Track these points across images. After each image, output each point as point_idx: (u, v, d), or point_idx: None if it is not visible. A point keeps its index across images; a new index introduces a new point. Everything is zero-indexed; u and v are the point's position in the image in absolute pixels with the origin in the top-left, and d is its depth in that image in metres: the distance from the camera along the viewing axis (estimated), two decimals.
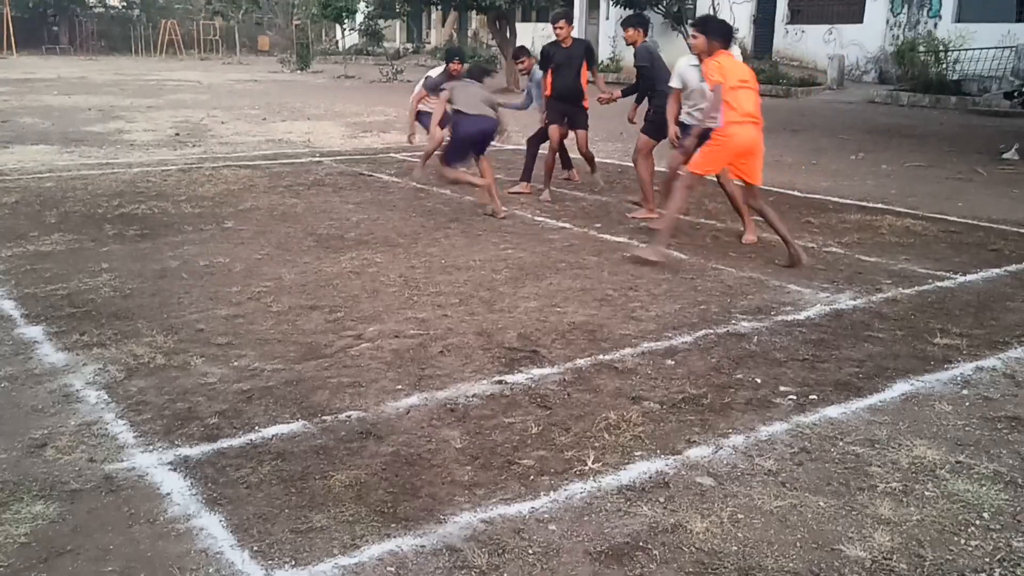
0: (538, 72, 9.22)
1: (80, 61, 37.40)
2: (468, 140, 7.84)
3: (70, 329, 4.87)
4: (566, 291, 5.74)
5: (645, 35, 8.38)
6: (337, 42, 45.68)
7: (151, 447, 3.54)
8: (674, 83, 7.35)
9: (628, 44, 8.39)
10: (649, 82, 8.17)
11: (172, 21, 44.76)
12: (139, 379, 4.21)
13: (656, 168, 8.22)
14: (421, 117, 9.79)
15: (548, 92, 8.93)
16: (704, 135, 6.45)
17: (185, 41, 44.27)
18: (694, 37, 6.65)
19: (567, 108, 8.92)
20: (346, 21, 39.88)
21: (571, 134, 9.15)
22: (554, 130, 8.95)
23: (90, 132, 13.96)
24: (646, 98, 8.28)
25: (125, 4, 51.23)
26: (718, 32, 6.51)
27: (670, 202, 6.57)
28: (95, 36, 47.50)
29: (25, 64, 33.43)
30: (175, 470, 3.36)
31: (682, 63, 7.34)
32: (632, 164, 8.44)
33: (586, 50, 8.97)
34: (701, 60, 6.63)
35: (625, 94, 8.70)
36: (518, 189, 9.21)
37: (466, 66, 8.94)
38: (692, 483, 3.30)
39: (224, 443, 3.58)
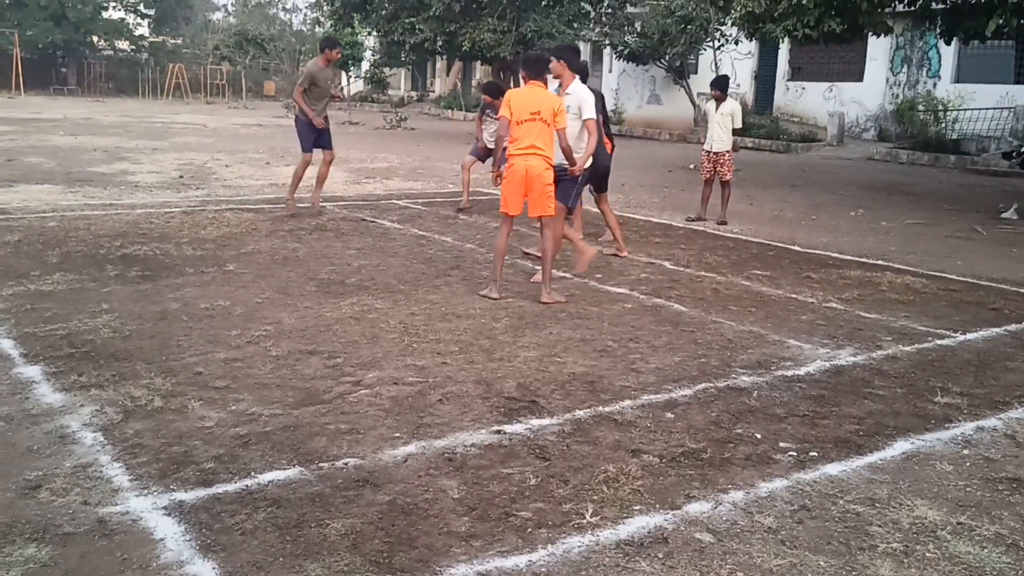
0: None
1: (87, 102, 37.74)
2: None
3: (68, 369, 4.86)
4: (566, 341, 5.73)
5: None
6: (342, 89, 46.16)
7: (146, 491, 3.51)
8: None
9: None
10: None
11: (180, 65, 45.25)
12: (136, 421, 4.19)
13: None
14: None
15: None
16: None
17: (192, 85, 44.70)
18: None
19: None
20: (352, 69, 40.38)
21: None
22: None
23: (95, 173, 14.05)
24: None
25: (134, 48, 51.85)
26: (527, 63, 6.87)
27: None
28: (103, 78, 48.00)
29: (33, 104, 33.72)
30: (169, 515, 3.32)
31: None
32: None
33: None
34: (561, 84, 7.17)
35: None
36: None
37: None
38: (691, 539, 3.27)
39: (220, 488, 3.55)
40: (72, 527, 3.21)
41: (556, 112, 6.59)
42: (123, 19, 51.54)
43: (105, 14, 49.57)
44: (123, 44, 51.40)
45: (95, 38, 49.87)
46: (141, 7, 52.48)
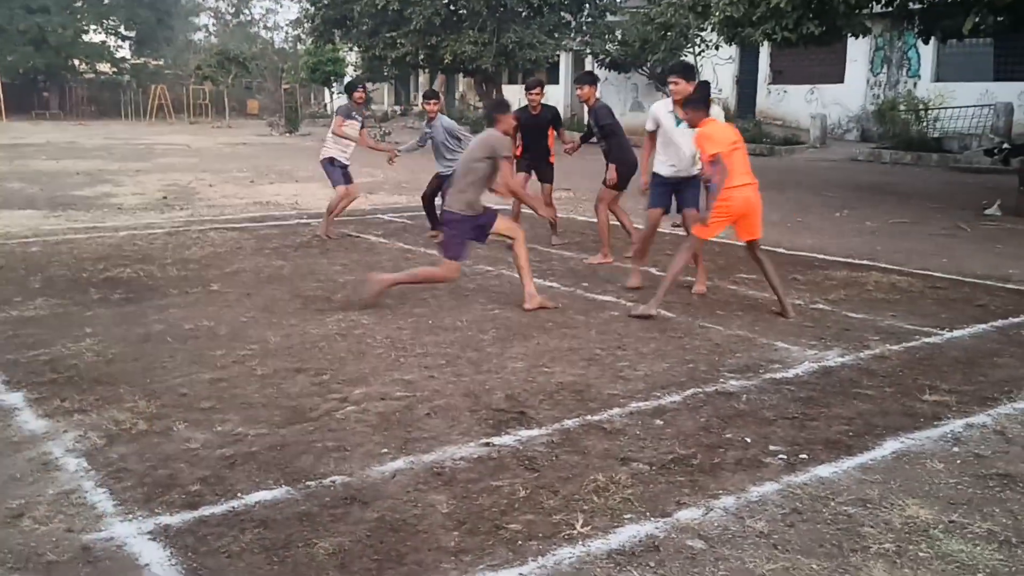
0: (440, 123, 10.07)
1: (70, 126, 37.63)
2: None
3: (51, 395, 4.80)
4: (553, 351, 5.71)
5: (596, 92, 8.90)
6: (325, 105, 46.17)
7: (130, 516, 3.46)
8: (649, 125, 7.33)
9: (582, 102, 9.04)
10: (616, 138, 8.81)
11: (162, 86, 45.15)
12: (120, 446, 4.14)
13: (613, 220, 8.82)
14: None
15: (518, 152, 9.46)
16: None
17: (175, 105, 44.59)
18: (675, 83, 7.01)
19: (534, 162, 9.71)
20: (334, 85, 40.39)
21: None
22: (521, 177, 9.21)
23: (78, 196, 13.98)
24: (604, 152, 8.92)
25: (115, 70, 51.72)
26: (702, 100, 6.58)
27: (673, 263, 6.60)
28: (85, 101, 47.88)
29: (15, 129, 33.58)
30: (155, 539, 3.28)
31: (658, 106, 7.35)
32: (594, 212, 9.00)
33: (553, 116, 9.91)
34: (676, 104, 6.93)
35: (583, 140, 9.49)
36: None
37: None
38: (683, 546, 3.25)
39: (206, 511, 3.51)
40: (56, 555, 3.16)
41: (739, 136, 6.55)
42: (104, 42, 51.43)
43: (86, 37, 49.44)
44: (104, 67, 51.26)
45: (76, 62, 49.71)
46: (122, 29, 52.38)
